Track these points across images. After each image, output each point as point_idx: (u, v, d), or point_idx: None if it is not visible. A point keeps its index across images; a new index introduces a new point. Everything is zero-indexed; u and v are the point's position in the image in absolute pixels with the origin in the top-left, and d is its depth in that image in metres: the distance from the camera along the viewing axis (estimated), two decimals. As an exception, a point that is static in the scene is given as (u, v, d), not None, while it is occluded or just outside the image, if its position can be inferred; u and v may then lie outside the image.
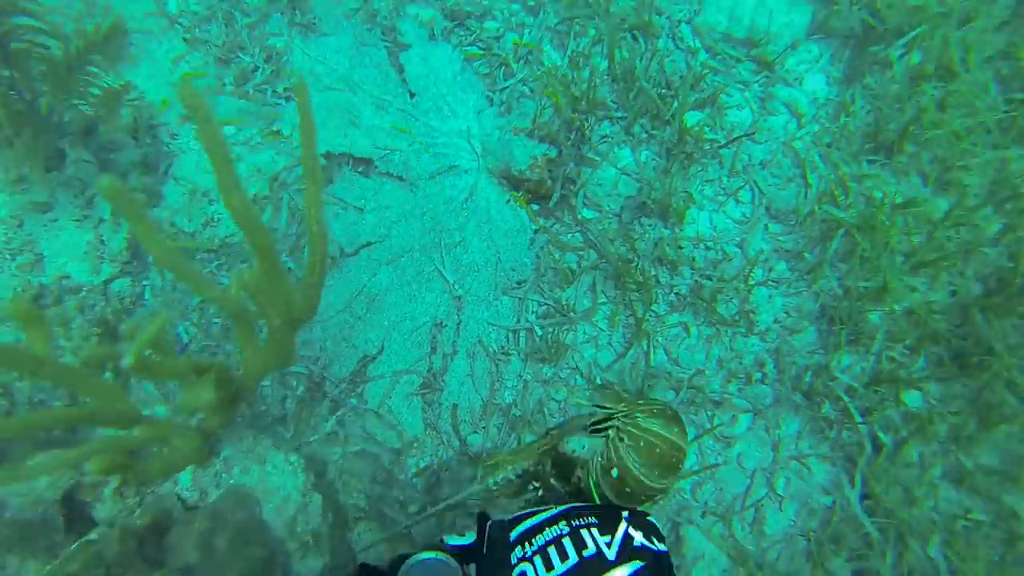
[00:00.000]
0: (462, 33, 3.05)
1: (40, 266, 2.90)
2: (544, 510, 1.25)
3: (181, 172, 3.03)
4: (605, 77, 2.78)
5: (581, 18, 2.88)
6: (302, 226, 2.94)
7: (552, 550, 1.15)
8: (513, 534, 1.24)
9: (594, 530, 1.16)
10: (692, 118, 2.62)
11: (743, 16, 2.73)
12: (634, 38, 2.79)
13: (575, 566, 1.11)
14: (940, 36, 2.41)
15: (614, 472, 1.26)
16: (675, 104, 2.57)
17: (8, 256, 2.85)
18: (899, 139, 2.45)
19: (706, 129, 2.59)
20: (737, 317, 2.44)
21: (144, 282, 2.92)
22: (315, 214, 1.98)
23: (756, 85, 2.69)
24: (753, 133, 2.57)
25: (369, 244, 2.81)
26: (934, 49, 2.44)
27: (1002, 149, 2.38)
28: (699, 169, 2.59)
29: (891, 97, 2.47)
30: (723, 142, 2.58)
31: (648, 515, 1.23)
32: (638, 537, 1.15)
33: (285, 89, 3.14)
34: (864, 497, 2.23)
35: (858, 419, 2.25)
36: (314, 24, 3.22)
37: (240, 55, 3.24)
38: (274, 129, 3.07)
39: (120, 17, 3.07)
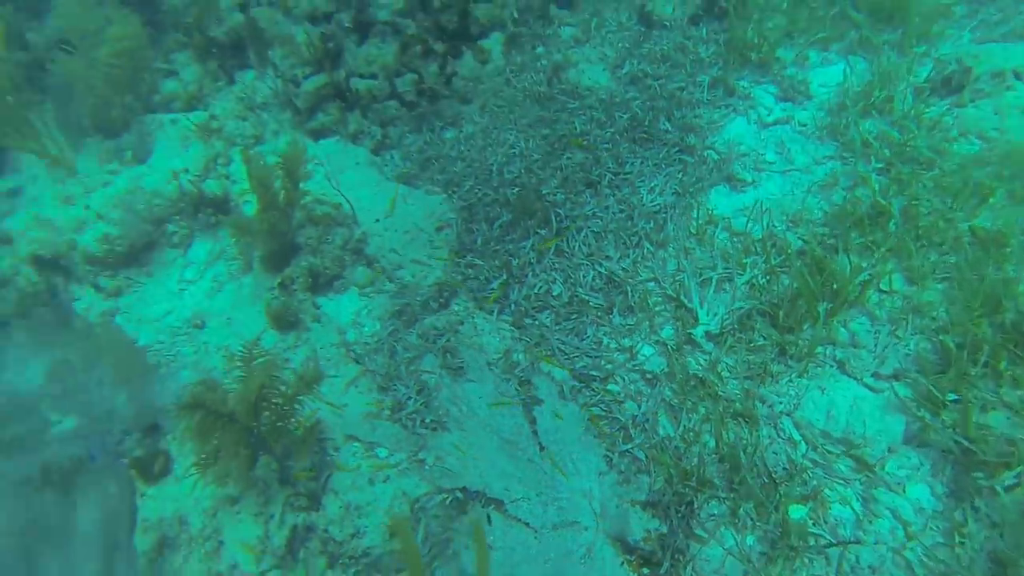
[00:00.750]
0: (588, 394, 3.83)
1: (219, 554, 3.68)
2: None
3: (339, 485, 3.78)
4: (713, 456, 3.39)
5: (692, 397, 3.59)
6: (435, 549, 3.53)
7: None
8: None
9: None
10: (796, 511, 3.11)
11: (839, 416, 3.35)
12: (738, 424, 3.44)
13: None
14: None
15: None
16: (778, 495, 3.09)
17: (200, 541, 3.67)
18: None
19: (810, 523, 3.06)
20: None
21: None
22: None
23: (857, 483, 3.19)
24: (859, 541, 3.00)
25: (495, 583, 3.33)
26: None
27: None
28: (804, 564, 3.00)
29: (1008, 527, 2.82)
30: (828, 539, 3.02)
31: None
32: None
33: (432, 421, 3.95)
34: None
35: None
36: (461, 368, 4.13)
37: (397, 385, 4.15)
38: (419, 458, 3.82)
39: (318, 364, 4.11)
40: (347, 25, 6.35)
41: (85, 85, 5.75)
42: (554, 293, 4.37)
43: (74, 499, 2.93)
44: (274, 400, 3.46)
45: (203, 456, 3.43)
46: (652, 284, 4.27)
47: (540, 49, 6.29)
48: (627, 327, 4.09)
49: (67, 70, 5.66)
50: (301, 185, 4.60)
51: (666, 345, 3.92)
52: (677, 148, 5.07)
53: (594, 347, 4.06)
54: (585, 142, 5.20)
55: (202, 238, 5.64)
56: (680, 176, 4.86)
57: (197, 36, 6.62)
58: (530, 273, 4.53)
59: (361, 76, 5.91)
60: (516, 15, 6.46)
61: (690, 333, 3.87)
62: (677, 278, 4.17)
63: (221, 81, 6.74)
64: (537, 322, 4.27)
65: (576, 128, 5.38)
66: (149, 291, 5.43)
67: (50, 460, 3.01)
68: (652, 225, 4.57)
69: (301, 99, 5.88)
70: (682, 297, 4.04)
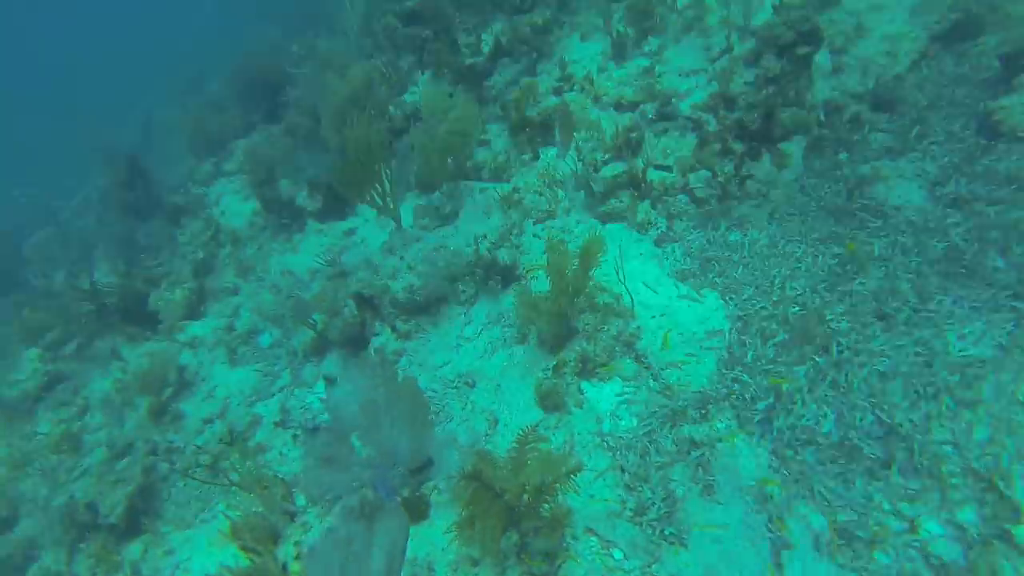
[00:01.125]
0: (848, 553, 3.67)
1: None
2: None
3: (570, 575, 4.11)
4: None
5: None
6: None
7: None
8: None
9: None
10: None
11: None
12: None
13: None
14: None
15: None
16: None
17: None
18: None
19: None
20: None
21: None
22: None
23: None
24: None
25: None
26: None
27: None
28: None
29: None
30: None
31: None
32: None
33: (671, 534, 4.10)
34: None
35: None
36: (712, 486, 4.23)
37: (644, 487, 4.38)
38: (652, 571, 4.00)
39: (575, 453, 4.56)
40: (651, 116, 6.92)
41: (422, 152, 7.09)
42: (823, 430, 4.25)
43: (375, 527, 3.68)
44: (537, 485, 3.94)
45: (464, 518, 4.03)
46: (949, 448, 3.93)
47: (844, 156, 6.15)
48: (908, 491, 3.82)
49: (414, 139, 7.06)
50: (591, 272, 5.13)
51: (964, 530, 3.57)
52: (1009, 292, 4.59)
53: (863, 502, 3.87)
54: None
55: (485, 300, 6.52)
56: (1010, 327, 4.39)
57: (515, 114, 7.72)
58: (800, 401, 4.46)
59: (656, 167, 6.39)
60: (823, 117, 6.43)
61: (1007, 529, 3.47)
62: (989, 451, 3.78)
63: (527, 155, 7.75)
64: (800, 457, 4.19)
65: (875, 252, 5.17)
66: (433, 340, 6.43)
67: (366, 497, 3.82)
68: (959, 379, 4.20)
69: (598, 183, 6.54)
70: (996, 479, 3.65)
